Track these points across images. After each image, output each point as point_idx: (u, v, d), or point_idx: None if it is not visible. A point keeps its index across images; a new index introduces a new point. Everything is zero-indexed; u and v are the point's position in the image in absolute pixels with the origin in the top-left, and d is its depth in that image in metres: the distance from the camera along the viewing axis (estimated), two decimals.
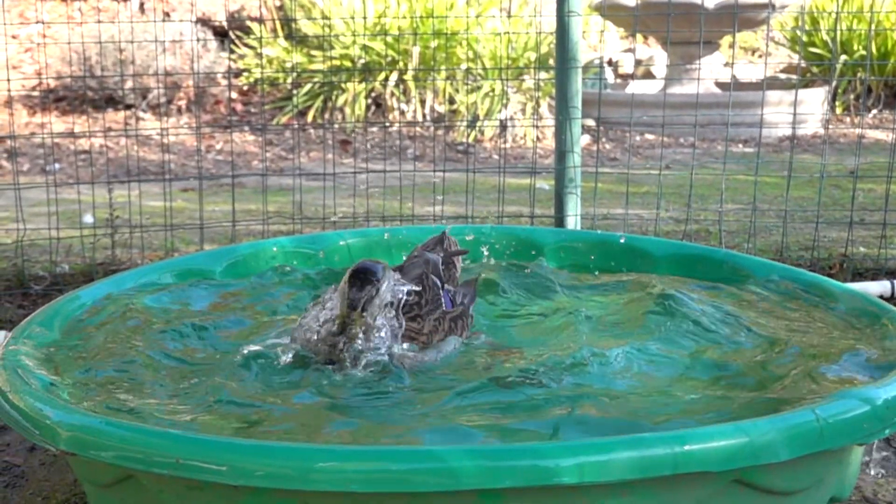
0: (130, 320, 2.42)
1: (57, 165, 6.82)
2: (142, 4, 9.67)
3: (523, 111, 8.17)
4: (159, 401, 1.95)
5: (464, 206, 4.27)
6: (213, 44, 9.03)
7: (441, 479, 1.48)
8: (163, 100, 8.36)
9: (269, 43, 8.67)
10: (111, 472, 1.71)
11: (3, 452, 2.55)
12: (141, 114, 8.34)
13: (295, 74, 8.28)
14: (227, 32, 9.05)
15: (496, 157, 7.52)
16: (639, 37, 10.87)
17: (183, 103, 8.58)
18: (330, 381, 2.04)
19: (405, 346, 2.18)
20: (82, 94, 7.57)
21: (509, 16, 7.20)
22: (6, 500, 2.29)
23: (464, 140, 7.94)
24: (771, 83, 9.38)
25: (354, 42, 7.78)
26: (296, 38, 8.56)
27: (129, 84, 7.29)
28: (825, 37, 9.51)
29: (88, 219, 4.60)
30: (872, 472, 2.34)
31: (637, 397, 1.97)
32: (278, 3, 9.63)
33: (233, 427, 1.81)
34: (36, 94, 8.49)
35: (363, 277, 2.08)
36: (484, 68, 8.17)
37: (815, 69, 9.65)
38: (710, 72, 9.26)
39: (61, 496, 2.29)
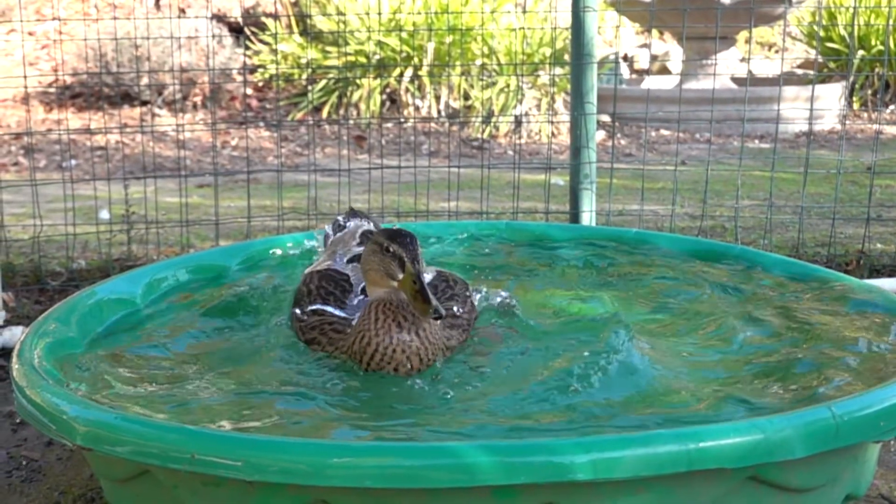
0: (145, 317, 2.43)
1: (73, 162, 6.85)
2: (157, 1, 9.70)
3: (538, 107, 8.15)
4: (180, 397, 1.95)
5: (478, 201, 4.27)
6: (229, 40, 9.05)
7: (456, 475, 1.48)
8: (178, 96, 8.38)
9: (284, 39, 8.68)
10: (127, 468, 1.71)
11: (20, 447, 2.56)
12: (156, 110, 8.36)
13: (310, 70, 8.30)
14: (242, 29, 9.06)
15: (511, 152, 7.51)
16: (654, 32, 10.84)
17: (198, 99, 8.60)
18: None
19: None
20: (98, 90, 7.61)
21: (524, 11, 7.20)
22: (23, 494, 2.30)
23: (478, 136, 7.93)
24: (787, 78, 9.34)
25: (369, 38, 7.78)
26: (311, 35, 8.57)
27: (144, 80, 7.32)
28: (842, 32, 9.45)
29: (104, 215, 4.62)
30: None
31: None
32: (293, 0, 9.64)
33: (255, 423, 1.81)
34: (52, 90, 8.53)
35: (402, 234, 2.04)
36: (499, 64, 8.16)
37: (832, 64, 9.59)
38: (726, 67, 9.22)
39: (78, 491, 2.30)
